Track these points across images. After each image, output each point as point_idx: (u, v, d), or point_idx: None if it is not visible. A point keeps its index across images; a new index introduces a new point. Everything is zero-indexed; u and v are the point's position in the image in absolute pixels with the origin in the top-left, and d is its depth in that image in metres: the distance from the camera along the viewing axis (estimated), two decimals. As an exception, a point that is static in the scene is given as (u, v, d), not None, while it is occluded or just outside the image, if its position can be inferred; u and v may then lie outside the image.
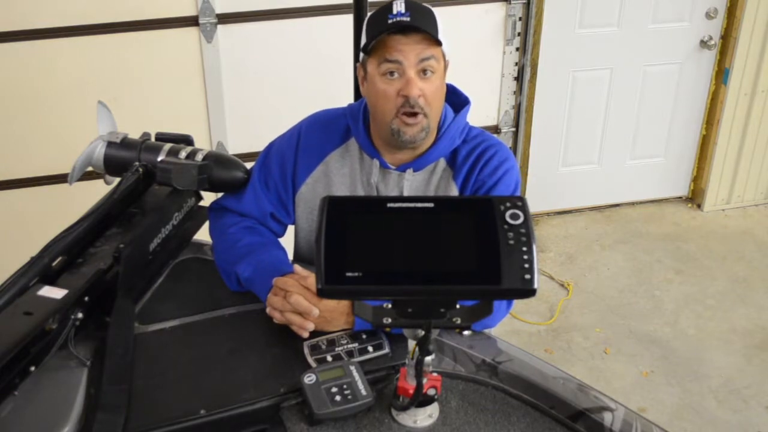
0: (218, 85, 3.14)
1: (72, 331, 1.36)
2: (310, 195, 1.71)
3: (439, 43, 1.53)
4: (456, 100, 1.69)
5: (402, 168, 1.66)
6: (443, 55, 1.57)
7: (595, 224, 4.03)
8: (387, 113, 1.57)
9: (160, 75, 3.09)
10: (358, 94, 2.10)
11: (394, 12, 1.51)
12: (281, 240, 1.78)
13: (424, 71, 1.53)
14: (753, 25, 3.70)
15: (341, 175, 1.69)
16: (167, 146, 1.70)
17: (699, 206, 4.15)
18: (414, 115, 1.54)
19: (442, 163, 1.67)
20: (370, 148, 1.66)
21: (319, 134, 1.72)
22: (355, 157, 1.69)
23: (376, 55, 1.54)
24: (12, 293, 1.32)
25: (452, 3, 3.26)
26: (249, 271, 1.57)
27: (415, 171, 1.65)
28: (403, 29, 1.50)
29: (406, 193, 1.65)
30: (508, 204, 1.07)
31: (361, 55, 1.61)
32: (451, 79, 1.66)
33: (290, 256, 1.80)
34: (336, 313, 1.45)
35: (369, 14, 1.59)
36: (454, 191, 1.65)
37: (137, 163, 1.67)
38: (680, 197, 4.24)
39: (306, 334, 1.43)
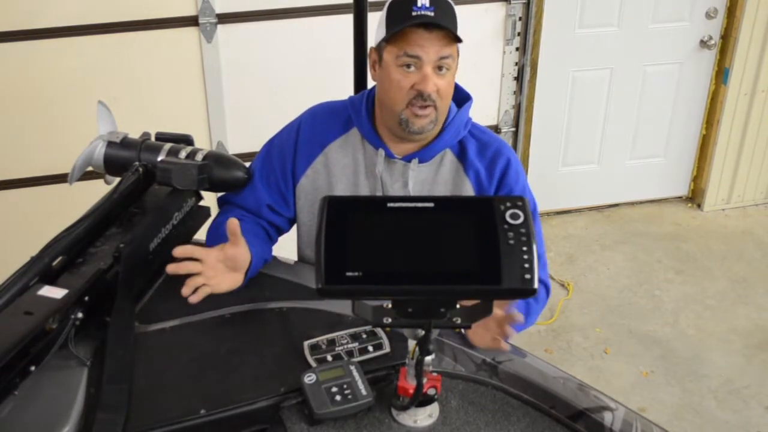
0: (218, 85, 3.14)
1: (72, 331, 1.36)
2: (310, 187, 1.71)
3: (459, 41, 1.53)
4: (457, 95, 1.69)
5: (407, 158, 1.66)
6: (458, 52, 1.58)
7: (595, 224, 4.03)
8: (398, 103, 1.57)
9: (160, 75, 3.09)
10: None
11: (419, 4, 1.50)
12: (284, 236, 1.78)
13: (440, 67, 1.54)
14: (753, 25, 3.70)
15: (342, 165, 1.69)
16: (167, 146, 1.69)
17: (699, 206, 4.15)
18: (425, 107, 1.55)
19: (449, 155, 1.67)
20: (375, 138, 1.66)
21: (320, 125, 1.71)
22: (358, 147, 1.69)
23: (396, 45, 1.54)
24: (12, 293, 1.31)
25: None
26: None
27: (420, 162, 1.65)
28: (426, 24, 1.50)
29: (411, 185, 1.66)
30: (508, 204, 1.07)
31: (377, 39, 1.60)
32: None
33: (293, 251, 1.80)
34: (218, 270, 1.53)
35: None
36: (468, 185, 1.65)
37: (137, 163, 1.66)
38: (680, 197, 4.24)
39: (199, 285, 1.53)
